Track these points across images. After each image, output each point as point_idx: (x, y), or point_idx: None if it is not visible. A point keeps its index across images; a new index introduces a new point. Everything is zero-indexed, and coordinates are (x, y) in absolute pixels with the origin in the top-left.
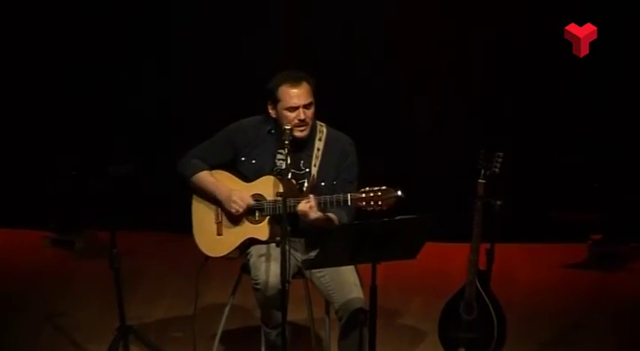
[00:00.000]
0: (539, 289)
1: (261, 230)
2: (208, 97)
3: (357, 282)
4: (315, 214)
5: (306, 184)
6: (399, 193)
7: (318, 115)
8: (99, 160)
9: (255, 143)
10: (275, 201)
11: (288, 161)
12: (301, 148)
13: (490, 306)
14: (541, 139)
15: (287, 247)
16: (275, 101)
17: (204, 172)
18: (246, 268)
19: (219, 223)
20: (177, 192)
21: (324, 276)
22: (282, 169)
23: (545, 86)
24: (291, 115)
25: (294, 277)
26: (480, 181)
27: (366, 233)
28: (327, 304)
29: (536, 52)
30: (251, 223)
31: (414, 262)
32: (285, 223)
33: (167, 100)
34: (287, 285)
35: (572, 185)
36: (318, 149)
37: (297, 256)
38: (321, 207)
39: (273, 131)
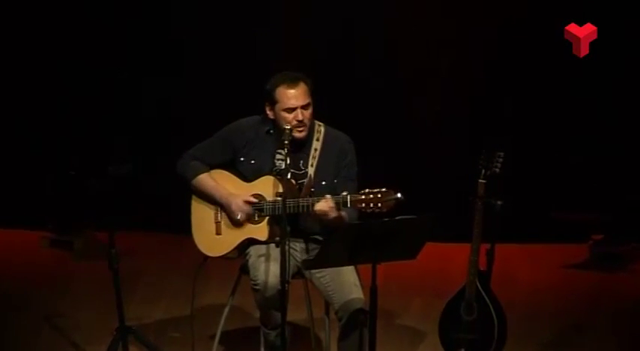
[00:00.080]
0: (540, 290)
1: (260, 230)
2: (208, 97)
3: (357, 282)
4: (334, 213)
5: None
6: (399, 195)
7: (317, 116)
8: (98, 160)
9: (254, 143)
10: (274, 201)
11: (288, 161)
12: (300, 148)
13: (490, 306)
14: (541, 139)
15: (287, 248)
16: (273, 102)
17: (205, 174)
18: (245, 269)
19: (218, 223)
20: (177, 192)
21: (324, 276)
22: (281, 169)
23: (545, 86)
24: (289, 116)
25: (293, 277)
26: (480, 181)
27: (366, 233)
28: (327, 304)
29: (536, 52)
30: (250, 223)
31: (415, 263)
32: (285, 224)
33: (167, 100)
34: (286, 285)
35: (572, 185)
36: (316, 149)
37: (297, 256)
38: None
39: (271, 131)
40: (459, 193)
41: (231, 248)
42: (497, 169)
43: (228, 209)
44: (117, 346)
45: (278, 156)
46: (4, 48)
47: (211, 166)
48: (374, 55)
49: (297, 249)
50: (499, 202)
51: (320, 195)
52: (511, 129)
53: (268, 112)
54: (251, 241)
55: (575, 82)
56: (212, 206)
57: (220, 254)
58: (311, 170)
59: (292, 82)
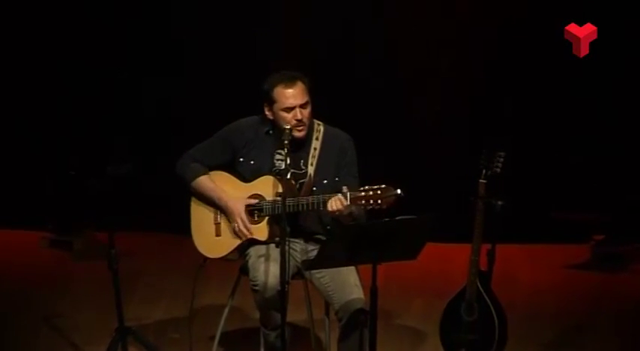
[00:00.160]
0: (541, 290)
1: (260, 231)
2: (208, 97)
3: (358, 282)
4: (347, 209)
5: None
6: (399, 191)
7: (318, 116)
8: (98, 160)
9: (254, 144)
10: (274, 201)
11: (288, 161)
12: (300, 147)
13: (491, 307)
14: (541, 139)
15: (287, 248)
16: (271, 103)
17: (204, 176)
18: (244, 270)
19: (217, 224)
20: (177, 193)
21: (324, 277)
22: (281, 169)
23: (545, 86)
24: (288, 115)
25: (293, 277)
26: (481, 181)
27: (367, 234)
28: (327, 305)
29: (536, 52)
30: (250, 223)
31: (415, 263)
32: (285, 224)
33: (167, 100)
34: (286, 286)
35: (573, 185)
36: (315, 148)
37: (297, 257)
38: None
39: (271, 131)
40: (460, 193)
41: (231, 249)
42: (498, 169)
43: (229, 215)
44: (116, 347)
45: (277, 156)
46: (4, 48)
47: (211, 167)
48: (374, 55)
49: (297, 249)
50: (500, 202)
51: (320, 194)
52: (511, 129)
53: (267, 112)
54: (251, 242)
55: (575, 82)
56: (211, 208)
57: (220, 256)
58: (311, 169)
59: (290, 82)
